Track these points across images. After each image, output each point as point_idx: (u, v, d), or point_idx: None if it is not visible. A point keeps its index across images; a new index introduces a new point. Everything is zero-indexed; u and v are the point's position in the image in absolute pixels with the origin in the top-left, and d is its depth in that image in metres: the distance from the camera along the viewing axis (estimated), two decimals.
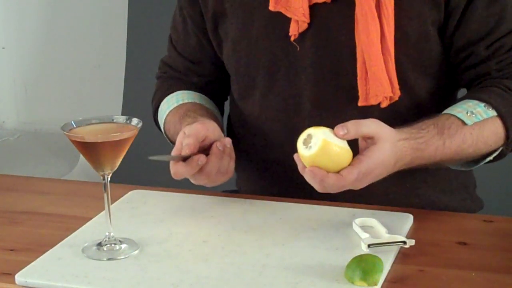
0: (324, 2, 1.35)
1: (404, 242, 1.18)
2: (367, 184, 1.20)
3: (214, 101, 1.58)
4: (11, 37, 3.86)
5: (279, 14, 1.37)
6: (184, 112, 1.45)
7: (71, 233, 1.27)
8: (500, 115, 1.32)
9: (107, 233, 1.20)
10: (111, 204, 1.23)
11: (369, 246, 1.16)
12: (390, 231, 1.20)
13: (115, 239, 1.20)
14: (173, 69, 1.59)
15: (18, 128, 3.94)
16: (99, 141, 1.15)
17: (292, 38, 1.38)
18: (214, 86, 1.58)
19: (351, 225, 1.24)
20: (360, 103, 1.35)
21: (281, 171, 1.47)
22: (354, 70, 1.35)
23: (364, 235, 1.19)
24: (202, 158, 1.26)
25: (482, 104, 1.32)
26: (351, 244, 1.19)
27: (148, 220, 1.31)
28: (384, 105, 1.35)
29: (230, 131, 1.59)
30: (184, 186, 1.38)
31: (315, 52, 1.38)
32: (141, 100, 2.28)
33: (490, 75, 1.38)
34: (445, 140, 1.27)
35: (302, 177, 1.19)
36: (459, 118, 1.30)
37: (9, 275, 1.15)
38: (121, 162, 1.18)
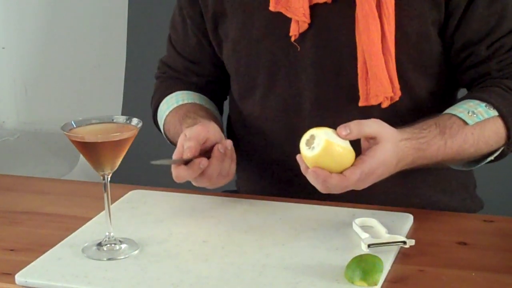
0: (325, 2, 1.35)
1: (404, 242, 1.18)
2: (369, 184, 1.20)
3: (214, 101, 1.58)
4: (11, 37, 3.86)
5: (279, 14, 1.37)
6: (184, 113, 1.45)
7: (71, 233, 1.27)
8: (501, 115, 1.32)
9: (107, 233, 1.20)
10: (111, 204, 1.23)
11: (369, 246, 1.16)
12: (390, 231, 1.20)
13: (115, 239, 1.20)
14: (173, 69, 1.59)
15: (18, 128, 3.94)
16: (99, 141, 1.15)
17: (292, 39, 1.38)
18: (214, 86, 1.58)
19: (351, 225, 1.24)
20: (360, 103, 1.35)
21: (281, 171, 1.47)
22: (355, 70, 1.35)
23: (364, 235, 1.19)
24: (204, 161, 1.26)
25: (483, 104, 1.32)
26: (351, 244, 1.19)
27: (148, 220, 1.30)
28: (384, 105, 1.35)
29: (230, 131, 1.59)
30: (184, 186, 1.38)
31: (316, 52, 1.38)
32: (141, 100, 2.27)
33: (490, 75, 1.38)
34: (446, 140, 1.28)
35: (302, 177, 1.19)
36: (460, 118, 1.30)
37: (9, 275, 1.15)
38: (121, 162, 1.18)
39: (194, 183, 1.30)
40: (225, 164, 1.30)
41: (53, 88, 3.84)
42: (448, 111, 1.33)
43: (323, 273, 1.10)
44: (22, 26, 3.82)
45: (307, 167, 1.17)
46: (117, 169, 1.19)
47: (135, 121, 1.19)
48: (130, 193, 1.42)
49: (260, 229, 1.26)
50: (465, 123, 1.29)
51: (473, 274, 1.12)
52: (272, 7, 1.37)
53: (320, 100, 1.40)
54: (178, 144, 1.29)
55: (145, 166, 2.44)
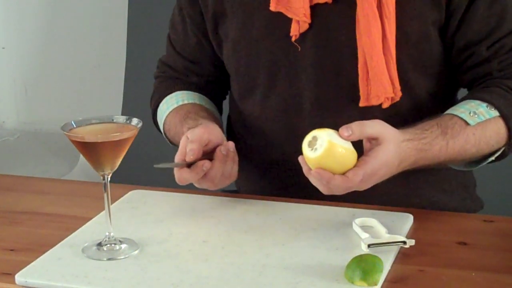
0: (325, 3, 1.35)
1: (404, 242, 1.18)
2: (371, 185, 1.20)
3: (213, 101, 1.58)
4: (11, 37, 3.86)
5: (279, 14, 1.37)
6: (185, 114, 1.45)
7: (71, 233, 1.27)
8: (502, 116, 1.32)
9: (107, 233, 1.20)
10: (111, 204, 1.23)
11: (369, 246, 1.16)
12: (390, 231, 1.20)
13: (115, 239, 1.20)
14: (172, 69, 1.59)
15: (18, 128, 3.94)
16: (99, 141, 1.15)
17: (293, 39, 1.38)
18: (213, 85, 1.58)
19: (351, 225, 1.24)
20: (361, 104, 1.35)
21: (281, 171, 1.47)
22: (355, 71, 1.35)
23: (364, 235, 1.19)
24: (206, 163, 1.26)
25: (485, 105, 1.32)
26: (351, 244, 1.19)
27: (148, 220, 1.30)
28: (385, 105, 1.35)
29: (229, 131, 1.59)
30: (184, 186, 1.37)
31: (316, 53, 1.38)
32: (141, 100, 2.27)
33: (491, 75, 1.38)
34: (448, 141, 1.28)
35: (302, 177, 1.19)
36: (461, 119, 1.30)
37: (9, 275, 1.15)
38: (121, 162, 1.18)
39: (196, 185, 1.30)
40: (227, 165, 1.30)
41: (53, 88, 3.84)
42: (449, 111, 1.33)
43: (323, 273, 1.10)
44: (22, 26, 3.82)
45: (310, 169, 1.17)
46: (117, 169, 1.19)
47: (135, 121, 1.19)
48: (130, 193, 1.42)
49: (260, 229, 1.26)
50: (467, 123, 1.30)
51: (473, 274, 1.12)
52: (272, 7, 1.37)
53: (320, 100, 1.40)
54: (180, 146, 1.29)
55: (145, 166, 2.44)
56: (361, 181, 1.16)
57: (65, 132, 1.16)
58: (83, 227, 1.29)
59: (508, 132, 1.33)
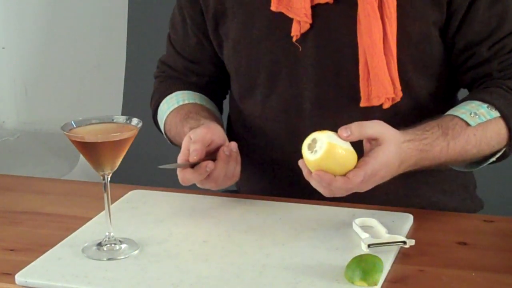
0: (326, 3, 1.35)
1: (404, 242, 1.18)
2: (372, 186, 1.20)
3: (214, 100, 1.58)
4: (11, 37, 3.86)
5: (280, 15, 1.37)
6: (186, 114, 1.45)
7: (71, 233, 1.27)
8: (503, 116, 1.32)
9: (107, 233, 1.20)
10: (111, 204, 1.23)
11: (369, 246, 1.16)
12: (390, 231, 1.20)
13: (115, 239, 1.20)
14: (172, 69, 1.59)
15: (18, 128, 3.94)
16: (99, 141, 1.15)
17: (294, 39, 1.37)
18: (214, 85, 1.58)
19: (351, 225, 1.24)
20: (362, 104, 1.35)
21: (281, 172, 1.47)
22: (356, 71, 1.35)
23: (364, 235, 1.19)
24: (210, 164, 1.26)
25: (485, 105, 1.32)
26: (351, 244, 1.19)
27: (148, 220, 1.30)
28: (386, 106, 1.35)
29: (230, 131, 1.59)
30: (184, 186, 1.38)
31: (317, 53, 1.38)
32: (141, 100, 2.27)
33: (492, 76, 1.38)
34: (449, 141, 1.28)
35: (302, 177, 1.19)
36: (462, 119, 1.30)
37: (9, 275, 1.15)
38: (121, 162, 1.18)
39: (199, 185, 1.30)
40: (230, 166, 1.30)
41: (53, 88, 3.84)
42: (450, 112, 1.33)
43: (323, 273, 1.10)
44: (22, 26, 3.82)
45: (310, 172, 1.17)
46: (117, 169, 1.19)
47: (135, 121, 1.19)
48: (130, 193, 1.42)
49: (260, 229, 1.26)
50: (468, 124, 1.29)
51: (473, 274, 1.12)
52: (273, 7, 1.37)
53: (321, 101, 1.40)
54: (183, 147, 1.29)
55: (145, 166, 2.44)
56: (361, 181, 1.16)
57: (65, 132, 1.16)
58: (83, 227, 1.29)
59: (509, 132, 1.32)
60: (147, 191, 1.43)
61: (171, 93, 1.54)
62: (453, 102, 1.43)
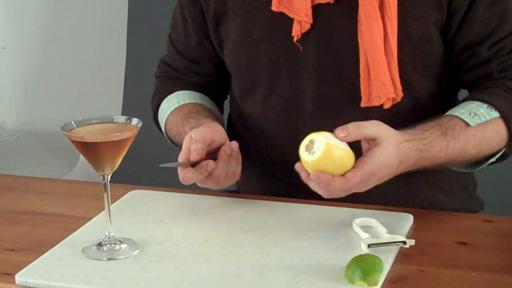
0: (327, 3, 1.35)
1: (404, 242, 1.18)
2: (371, 186, 1.20)
3: (214, 100, 1.58)
4: (11, 37, 3.86)
5: (281, 15, 1.37)
6: (187, 113, 1.45)
7: (71, 233, 1.27)
8: (503, 117, 1.32)
9: (107, 233, 1.20)
10: (111, 204, 1.23)
11: (369, 246, 1.16)
12: (390, 231, 1.20)
13: (115, 239, 1.20)
14: (173, 69, 1.59)
15: (18, 128, 3.94)
16: (99, 141, 1.15)
17: (294, 39, 1.37)
18: (214, 85, 1.58)
19: (351, 225, 1.24)
20: (362, 104, 1.35)
21: (281, 172, 1.47)
22: (357, 71, 1.35)
23: (364, 235, 1.19)
24: (211, 163, 1.26)
25: (485, 106, 1.32)
26: (351, 244, 1.19)
27: (148, 220, 1.30)
28: (387, 106, 1.35)
29: (230, 131, 1.59)
30: (184, 186, 1.37)
31: (318, 53, 1.38)
32: (141, 100, 2.27)
33: (491, 76, 1.37)
34: (449, 141, 1.27)
35: None
36: (462, 120, 1.30)
37: (9, 275, 1.14)
38: (121, 162, 1.18)
39: (200, 185, 1.30)
40: (231, 165, 1.30)
41: (53, 88, 3.84)
42: (449, 112, 1.33)
43: (323, 273, 1.10)
44: (22, 26, 3.82)
45: (308, 175, 1.17)
46: (117, 169, 1.19)
47: (135, 121, 1.19)
48: (130, 193, 1.42)
49: (260, 229, 1.26)
50: (467, 124, 1.29)
51: (473, 274, 1.12)
52: (274, 7, 1.37)
53: (321, 101, 1.40)
54: (184, 146, 1.29)
55: (145, 166, 2.44)
56: (360, 181, 1.16)
57: (65, 132, 1.16)
58: (83, 227, 1.29)
59: (509, 133, 1.32)
60: (147, 191, 1.43)
61: (172, 93, 1.54)
62: (454, 102, 1.43)
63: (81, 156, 1.29)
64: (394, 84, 1.34)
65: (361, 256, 1.10)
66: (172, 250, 1.20)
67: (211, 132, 1.30)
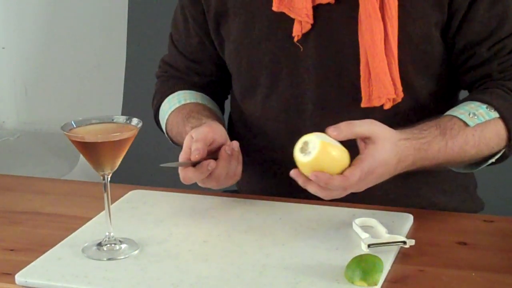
0: (328, 3, 1.35)
1: (404, 242, 1.18)
2: (371, 185, 1.20)
3: (215, 100, 1.58)
4: (11, 37, 3.86)
5: (282, 15, 1.37)
6: (188, 113, 1.45)
7: (71, 233, 1.27)
8: (502, 117, 1.31)
9: (107, 233, 1.20)
10: (111, 204, 1.23)
11: (369, 246, 1.16)
12: (390, 231, 1.20)
13: (115, 239, 1.20)
14: (174, 68, 1.59)
15: (18, 128, 3.94)
16: (99, 141, 1.15)
17: (295, 39, 1.37)
18: (215, 85, 1.58)
19: (351, 225, 1.24)
20: (363, 105, 1.35)
21: (281, 172, 1.47)
22: (357, 71, 1.35)
23: (364, 235, 1.19)
24: (212, 163, 1.26)
25: (484, 106, 1.32)
26: (351, 244, 1.19)
27: (148, 220, 1.30)
28: (387, 106, 1.35)
29: (231, 131, 1.59)
30: (184, 186, 1.38)
31: (318, 53, 1.38)
32: (141, 100, 2.27)
33: (491, 76, 1.37)
34: (447, 141, 1.27)
35: None
36: (461, 120, 1.30)
37: (9, 275, 1.15)
38: (121, 162, 1.18)
39: (200, 184, 1.30)
40: (232, 165, 1.30)
41: (53, 88, 3.84)
42: (448, 112, 1.33)
43: (323, 273, 1.10)
44: (22, 26, 3.82)
45: (306, 179, 1.16)
46: (117, 169, 1.19)
47: (135, 121, 1.19)
48: (130, 193, 1.42)
49: (260, 229, 1.26)
50: (466, 124, 1.29)
51: (473, 274, 1.12)
52: (275, 7, 1.37)
53: (322, 101, 1.40)
54: (185, 146, 1.29)
55: (145, 166, 2.44)
56: (359, 179, 1.16)
57: (65, 132, 1.16)
58: (83, 227, 1.29)
59: (508, 133, 1.32)
60: (147, 191, 1.43)
61: (172, 92, 1.54)
62: (454, 102, 1.42)
63: (81, 156, 1.29)
64: (394, 84, 1.34)
65: (361, 256, 1.10)
66: (172, 250, 1.20)
67: (212, 131, 1.30)
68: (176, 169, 1.27)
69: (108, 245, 1.20)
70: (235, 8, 1.43)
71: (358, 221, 1.24)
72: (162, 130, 1.58)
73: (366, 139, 1.19)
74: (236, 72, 1.49)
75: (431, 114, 1.34)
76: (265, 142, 1.49)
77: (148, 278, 1.11)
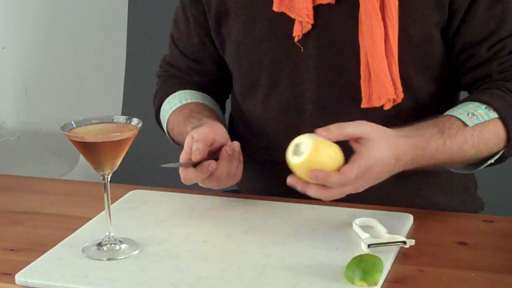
0: (328, 3, 1.35)
1: (404, 242, 1.18)
2: (370, 185, 1.20)
3: (216, 100, 1.58)
4: (11, 37, 3.86)
5: (282, 15, 1.37)
6: (189, 113, 1.45)
7: (71, 233, 1.27)
8: (501, 117, 1.31)
9: (107, 233, 1.20)
10: (111, 204, 1.23)
11: (369, 246, 1.16)
12: (390, 231, 1.20)
13: (115, 239, 1.20)
14: (175, 68, 1.59)
15: (18, 128, 3.94)
16: (99, 141, 1.15)
17: (295, 39, 1.37)
18: (216, 85, 1.58)
19: (351, 225, 1.24)
20: (363, 105, 1.35)
21: (282, 172, 1.47)
22: (357, 72, 1.35)
23: (364, 235, 1.19)
24: (212, 164, 1.26)
25: (483, 106, 1.32)
26: (351, 244, 1.19)
27: (148, 220, 1.30)
28: (387, 107, 1.35)
29: (231, 131, 1.59)
30: (184, 186, 1.38)
31: (319, 53, 1.38)
32: (141, 100, 2.28)
33: (491, 77, 1.37)
34: (446, 140, 1.27)
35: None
36: (460, 119, 1.30)
37: (9, 275, 1.15)
38: (121, 162, 1.18)
39: (201, 184, 1.30)
40: (232, 165, 1.30)
41: (53, 88, 3.84)
42: (447, 112, 1.33)
43: (323, 273, 1.10)
44: (22, 26, 3.82)
45: (305, 183, 1.17)
46: (117, 169, 1.19)
47: (135, 121, 1.19)
48: (130, 193, 1.42)
49: (260, 229, 1.26)
50: (465, 124, 1.29)
51: (473, 274, 1.12)
52: (275, 7, 1.37)
53: (322, 101, 1.40)
54: (185, 146, 1.29)
55: (145, 166, 2.44)
56: (356, 176, 1.16)
57: (65, 132, 1.16)
58: (83, 227, 1.29)
59: (507, 134, 1.32)
60: (147, 191, 1.43)
61: (173, 92, 1.54)
62: (454, 103, 1.42)
63: (81, 156, 1.29)
64: (394, 85, 1.34)
65: (361, 256, 1.10)
66: (172, 250, 1.20)
67: (212, 132, 1.30)
68: (176, 169, 1.27)
69: (108, 245, 1.20)
70: (236, 8, 1.43)
71: (358, 221, 1.24)
72: (163, 130, 1.58)
73: (359, 140, 1.19)
74: (237, 72, 1.49)
75: (431, 114, 1.34)
76: (265, 142, 1.49)
77: (148, 278, 1.11)
